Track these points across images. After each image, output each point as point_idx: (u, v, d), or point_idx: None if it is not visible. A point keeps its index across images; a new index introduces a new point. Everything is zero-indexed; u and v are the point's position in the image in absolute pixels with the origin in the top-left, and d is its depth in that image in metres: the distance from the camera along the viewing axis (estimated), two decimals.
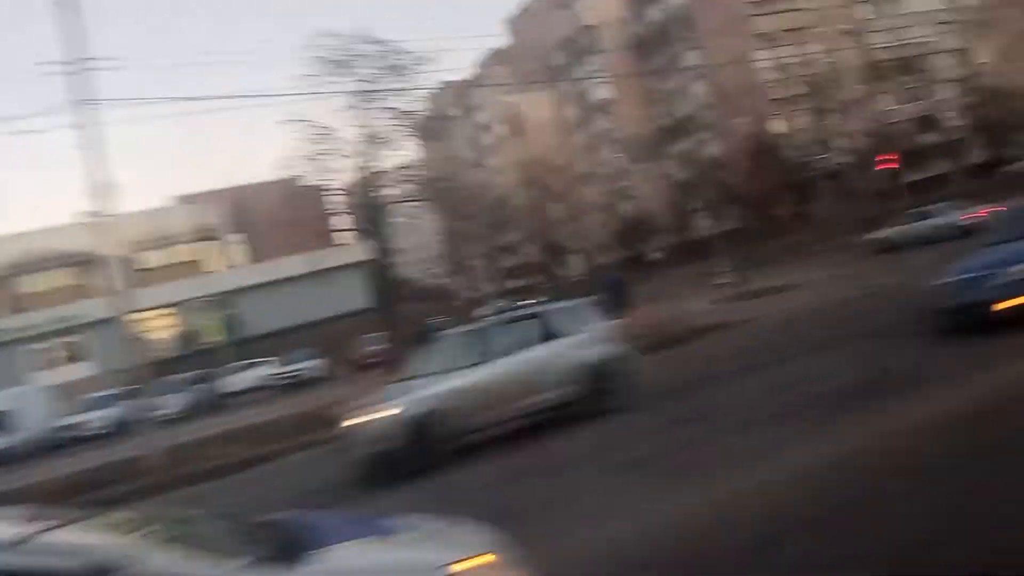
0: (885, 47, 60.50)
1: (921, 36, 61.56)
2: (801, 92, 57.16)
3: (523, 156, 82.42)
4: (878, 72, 60.25)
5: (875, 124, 59.55)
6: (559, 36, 69.53)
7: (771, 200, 52.30)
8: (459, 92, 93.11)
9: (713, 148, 60.04)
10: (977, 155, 58.50)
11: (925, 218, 30.77)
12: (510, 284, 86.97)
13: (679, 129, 64.03)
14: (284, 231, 48.04)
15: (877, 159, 19.48)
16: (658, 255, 65.54)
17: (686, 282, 36.92)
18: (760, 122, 55.10)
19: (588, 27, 66.01)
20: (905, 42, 60.95)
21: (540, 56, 72.09)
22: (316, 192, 40.30)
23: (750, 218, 54.28)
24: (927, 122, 61.21)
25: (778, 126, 55.40)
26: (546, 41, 71.26)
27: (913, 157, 55.92)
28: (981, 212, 26.33)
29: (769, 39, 56.33)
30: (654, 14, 63.88)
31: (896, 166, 19.17)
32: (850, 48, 58.26)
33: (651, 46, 64.73)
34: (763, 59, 55.97)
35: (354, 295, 37.30)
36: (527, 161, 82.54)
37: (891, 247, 30.29)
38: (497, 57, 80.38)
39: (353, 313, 36.44)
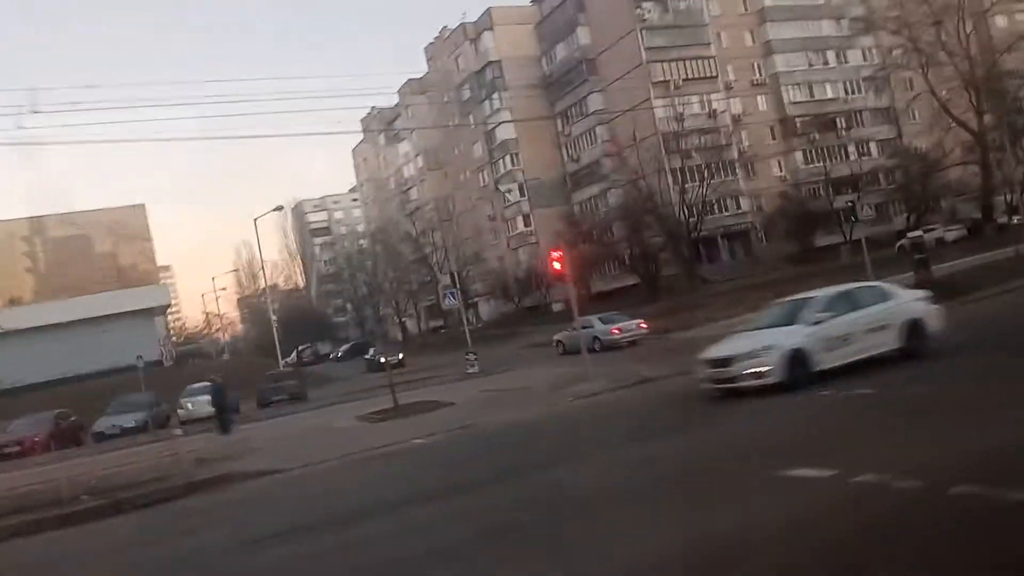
0: (801, 102, 57.21)
1: (844, 94, 58.41)
2: (703, 146, 53.64)
3: (440, 192, 78.74)
4: (792, 129, 56.95)
5: (784, 183, 56.26)
6: (467, 69, 65.64)
7: (647, 261, 48.45)
8: (385, 121, 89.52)
9: (616, 198, 56.26)
10: (883, 225, 54.97)
11: (589, 326, 28.77)
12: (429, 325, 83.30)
13: (584, 176, 60.27)
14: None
15: (551, 254, 15.76)
16: (560, 307, 61.48)
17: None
18: (659, 175, 51.26)
19: (493, 62, 62.15)
20: (825, 99, 57.71)
21: (452, 88, 68.28)
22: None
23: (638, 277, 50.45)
24: (845, 183, 57.76)
25: (670, 181, 51.53)
26: (456, 73, 67.44)
27: (820, 220, 52.49)
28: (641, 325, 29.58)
29: (668, 88, 52.65)
30: (561, 52, 60.22)
31: (561, 266, 15.38)
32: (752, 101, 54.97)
33: (558, 86, 61.01)
34: (662, 109, 52.23)
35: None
36: (440, 198, 78.84)
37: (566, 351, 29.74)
38: (414, 87, 76.57)
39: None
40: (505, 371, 27.29)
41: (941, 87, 39.90)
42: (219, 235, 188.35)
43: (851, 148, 58.89)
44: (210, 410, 20.01)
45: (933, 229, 43.22)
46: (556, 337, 32.02)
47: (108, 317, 32.43)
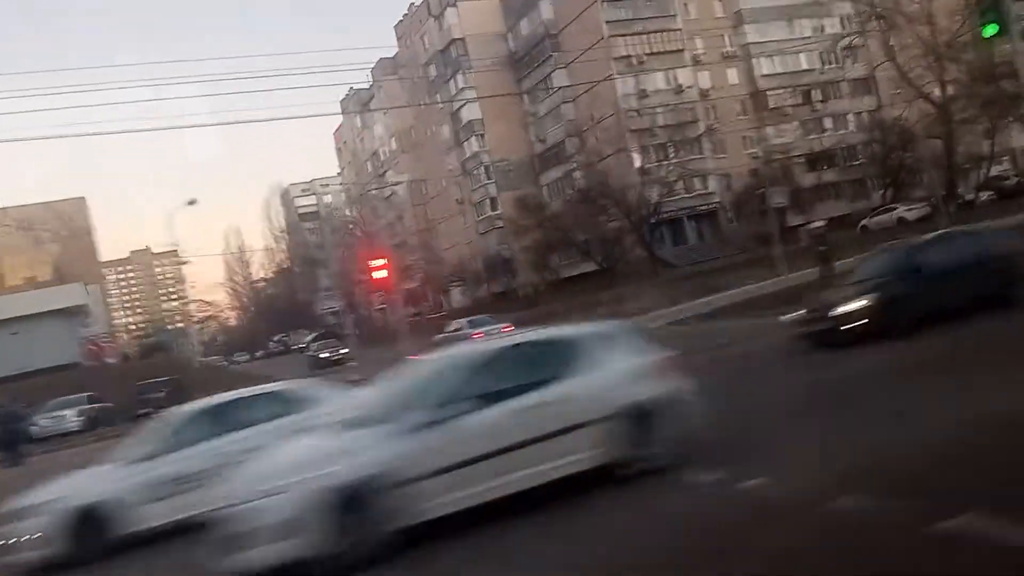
0: (774, 75, 54.77)
1: (821, 65, 55.85)
2: (668, 123, 51.55)
3: (415, 174, 76.88)
4: (765, 103, 54.59)
5: (759, 160, 54.00)
6: (432, 47, 63.53)
7: (612, 244, 46.61)
8: (361, 102, 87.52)
9: (581, 180, 54.24)
10: (864, 201, 52.70)
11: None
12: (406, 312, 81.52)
13: (551, 157, 58.24)
14: None
15: (371, 263, 14.07)
16: (530, 291, 59.77)
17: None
18: (620, 155, 49.22)
19: (457, 40, 59.98)
20: (800, 70, 55.23)
21: (420, 68, 66.23)
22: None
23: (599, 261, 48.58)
24: (822, 159, 55.47)
25: (637, 160, 49.49)
26: (423, 52, 65.35)
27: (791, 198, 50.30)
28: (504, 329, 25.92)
29: (631, 63, 50.47)
30: (525, 28, 57.99)
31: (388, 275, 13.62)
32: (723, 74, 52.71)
33: (524, 64, 58.85)
34: (626, 85, 50.13)
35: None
36: (413, 181, 77.00)
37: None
38: (386, 67, 74.48)
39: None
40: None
41: (903, 55, 37.63)
42: (210, 221, 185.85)
43: (828, 122, 56.70)
44: (72, 425, 18.47)
45: (894, 208, 41.16)
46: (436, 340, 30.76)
47: (21, 319, 30.99)
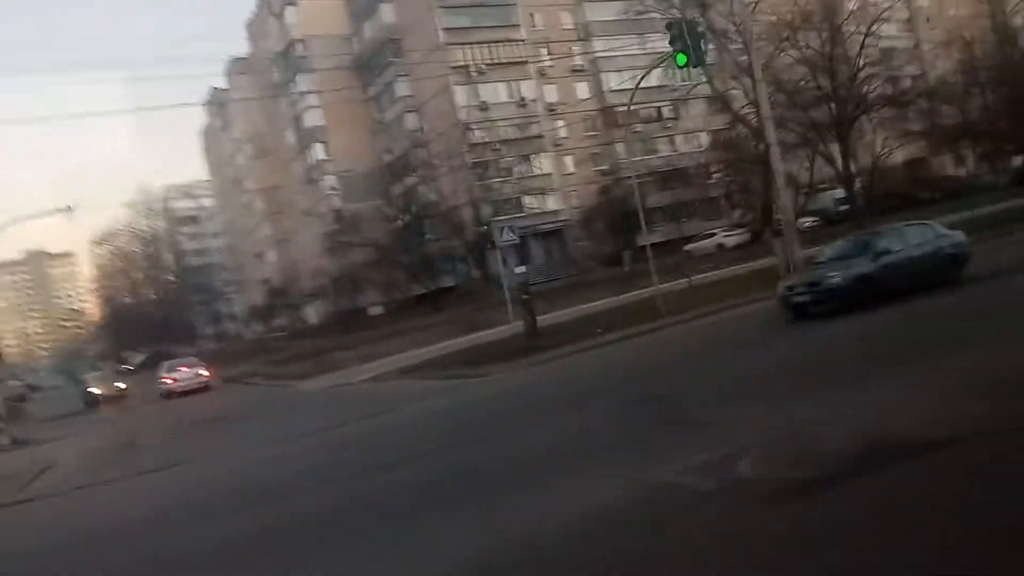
0: (624, 90, 53.17)
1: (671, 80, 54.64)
2: (512, 137, 49.27)
3: (268, 181, 72.57)
4: (614, 119, 52.99)
5: (604, 178, 52.39)
6: (273, 48, 59.49)
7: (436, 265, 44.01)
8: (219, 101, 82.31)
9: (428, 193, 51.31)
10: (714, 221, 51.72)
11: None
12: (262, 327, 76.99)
13: (399, 168, 55.13)
14: None
15: None
16: (379, 310, 56.45)
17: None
18: (459, 170, 46.52)
19: (297, 40, 56.19)
20: (649, 86, 53.77)
21: (265, 69, 62.08)
22: None
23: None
24: (673, 177, 54.22)
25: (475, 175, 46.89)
26: (267, 52, 61.20)
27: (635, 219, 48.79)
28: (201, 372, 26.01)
29: (469, 73, 47.91)
30: (368, 31, 54.72)
31: None
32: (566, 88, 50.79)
33: (369, 69, 55.56)
34: (465, 96, 47.53)
35: None
36: (266, 189, 72.71)
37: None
38: (239, 66, 69.99)
39: None
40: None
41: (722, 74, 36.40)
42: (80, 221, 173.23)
43: (680, 140, 55.69)
44: None
45: (713, 234, 40.07)
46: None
47: None
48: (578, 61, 52.73)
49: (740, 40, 34.63)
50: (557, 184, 50.59)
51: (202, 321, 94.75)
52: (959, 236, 15.33)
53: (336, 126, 55.79)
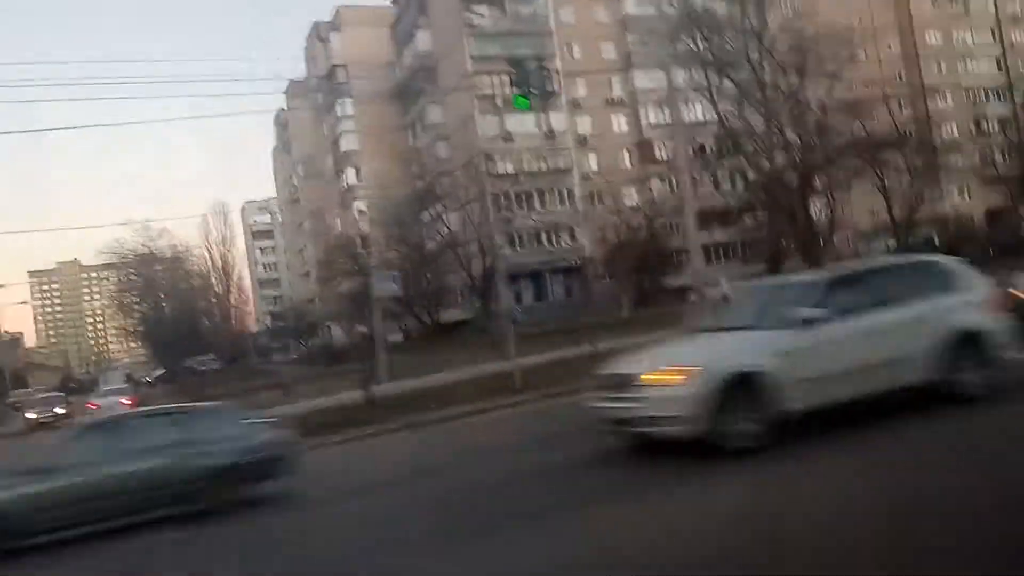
0: (662, 125, 50.75)
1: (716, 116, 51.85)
2: (539, 170, 47.59)
3: (315, 204, 73.21)
4: (649, 153, 50.63)
5: (637, 214, 49.87)
6: (318, 73, 60.03)
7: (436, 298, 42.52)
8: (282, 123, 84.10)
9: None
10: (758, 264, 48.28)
11: None
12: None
13: (429, 197, 54.22)
14: None
15: None
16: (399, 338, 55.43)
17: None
18: (480, 201, 45.09)
19: (339, 66, 56.41)
20: (692, 122, 51.19)
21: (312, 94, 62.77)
22: None
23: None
24: (713, 217, 51.18)
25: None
26: (316, 76, 61.85)
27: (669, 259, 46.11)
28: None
29: (495, 103, 46.58)
30: (408, 58, 54.36)
31: None
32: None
33: (408, 96, 55.13)
34: (489, 126, 46.28)
35: None
36: (316, 211, 73.28)
37: None
38: (297, 88, 71.24)
39: None
40: None
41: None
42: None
43: (723, 176, 52.62)
44: None
45: (719, 283, 37.01)
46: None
47: None
48: (617, 92, 50.72)
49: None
50: (582, 219, 48.45)
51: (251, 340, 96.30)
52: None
53: (372, 152, 55.50)
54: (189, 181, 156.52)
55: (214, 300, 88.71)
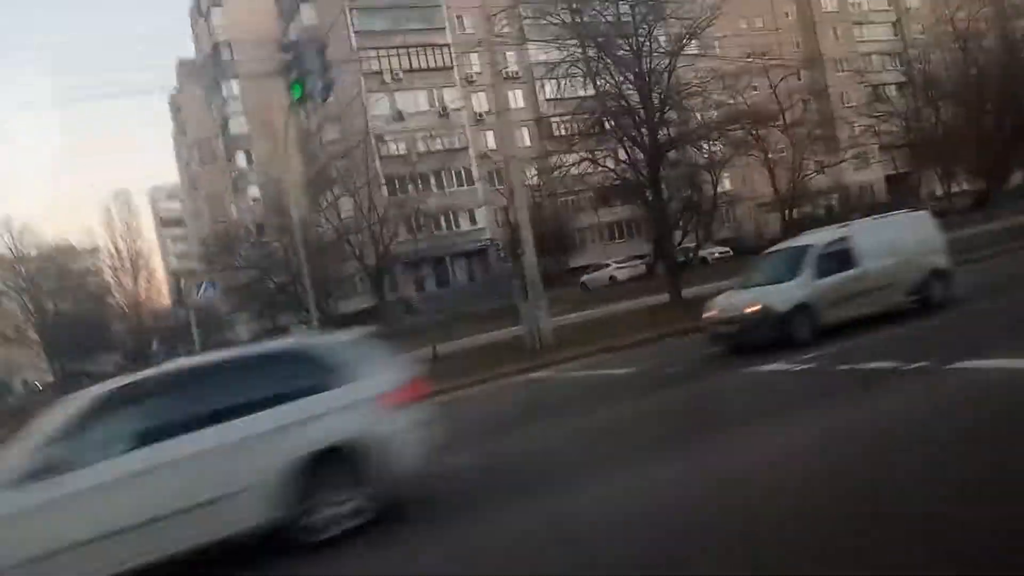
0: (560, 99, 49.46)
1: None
2: (434, 149, 45.84)
3: (212, 189, 69.75)
4: (547, 130, 49.27)
5: (538, 193, 48.67)
6: (203, 50, 56.57)
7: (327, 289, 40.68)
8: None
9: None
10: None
11: None
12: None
13: (322, 182, 51.87)
14: None
15: None
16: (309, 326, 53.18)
17: None
18: (371, 185, 43.18)
19: (222, 43, 53.17)
20: (589, 95, 50.06)
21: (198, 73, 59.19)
22: None
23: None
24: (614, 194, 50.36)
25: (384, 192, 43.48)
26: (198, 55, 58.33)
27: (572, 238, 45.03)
28: None
29: (384, 81, 44.54)
30: (294, 34, 51.47)
31: None
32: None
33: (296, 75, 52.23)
34: (380, 105, 44.20)
35: None
36: (213, 196, 69.88)
37: None
38: (186, 67, 67.30)
39: None
40: None
41: None
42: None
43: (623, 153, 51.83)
44: None
45: (607, 265, 36.45)
46: None
47: None
48: (513, 67, 49.14)
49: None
50: (482, 200, 47.00)
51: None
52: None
53: (262, 134, 52.56)
54: (88, 168, 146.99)
55: (117, 296, 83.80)
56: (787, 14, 61.68)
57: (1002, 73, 43.78)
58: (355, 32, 44.27)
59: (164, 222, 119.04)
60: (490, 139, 48.05)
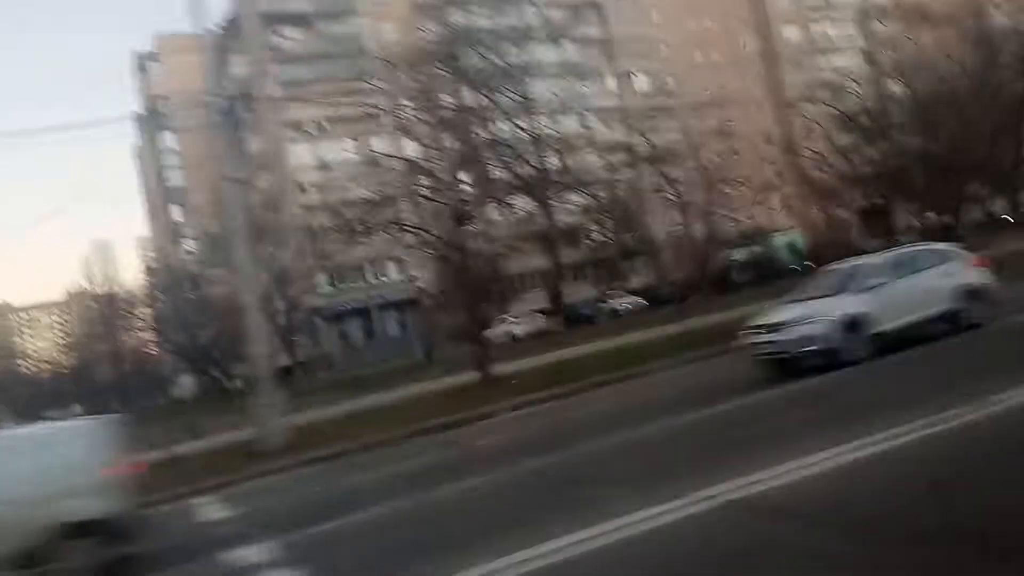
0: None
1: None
2: (363, 198, 43.99)
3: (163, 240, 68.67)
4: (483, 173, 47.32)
5: (478, 240, 46.51)
6: (142, 103, 55.80)
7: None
8: None
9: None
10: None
11: None
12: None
13: (256, 232, 50.25)
14: None
15: None
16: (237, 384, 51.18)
17: None
18: (298, 234, 41.54)
19: (158, 96, 52.28)
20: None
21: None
22: None
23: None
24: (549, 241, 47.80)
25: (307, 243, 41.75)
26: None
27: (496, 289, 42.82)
28: None
29: (307, 130, 43.07)
30: (229, 85, 50.40)
31: None
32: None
33: (229, 126, 51.09)
34: (303, 155, 42.70)
35: None
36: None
37: None
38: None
39: None
40: None
41: None
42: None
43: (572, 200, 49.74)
44: None
45: (504, 320, 34.07)
46: None
47: None
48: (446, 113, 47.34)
49: None
50: (415, 248, 44.88)
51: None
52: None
53: (198, 186, 51.34)
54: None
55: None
56: (744, 44, 59.77)
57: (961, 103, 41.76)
58: (281, 82, 42.95)
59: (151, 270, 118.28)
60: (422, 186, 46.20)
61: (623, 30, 54.63)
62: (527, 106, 34.88)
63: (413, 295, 44.75)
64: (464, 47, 32.89)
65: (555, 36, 51.14)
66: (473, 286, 21.59)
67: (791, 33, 60.26)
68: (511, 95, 34.01)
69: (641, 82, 54.37)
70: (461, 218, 21.10)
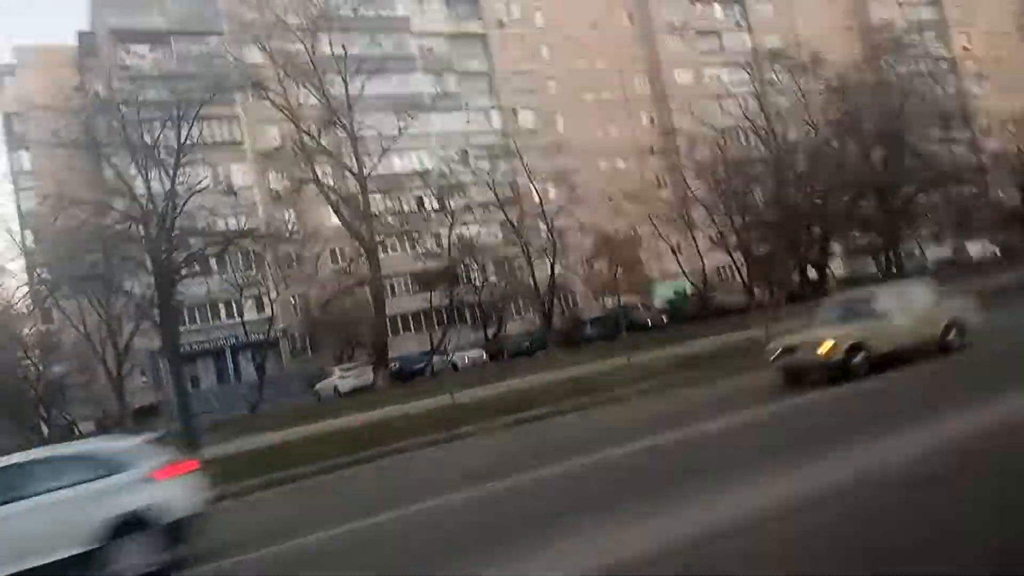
0: (373, 176, 45.66)
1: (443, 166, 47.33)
2: (218, 230, 41.56)
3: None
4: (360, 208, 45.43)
5: (346, 277, 44.40)
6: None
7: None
8: None
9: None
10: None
11: None
12: None
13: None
14: None
15: None
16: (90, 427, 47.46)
17: None
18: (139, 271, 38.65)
19: (14, 114, 48.86)
20: (407, 171, 46.69)
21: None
22: None
23: None
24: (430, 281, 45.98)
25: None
26: None
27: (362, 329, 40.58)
28: None
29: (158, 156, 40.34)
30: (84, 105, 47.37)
31: None
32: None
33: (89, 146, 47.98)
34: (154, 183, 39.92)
35: None
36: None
37: None
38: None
39: None
40: None
41: None
42: None
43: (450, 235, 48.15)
44: None
45: (331, 374, 32.19)
46: None
47: None
48: (326, 141, 45.36)
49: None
50: (276, 285, 42.56)
51: None
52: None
53: (54, 210, 47.79)
54: None
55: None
56: (638, 84, 59.63)
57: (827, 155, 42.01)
58: (125, 103, 40.20)
59: None
60: (292, 217, 44.02)
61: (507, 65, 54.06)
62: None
63: (272, 336, 42.25)
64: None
65: (437, 69, 49.95)
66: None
67: (683, 77, 60.29)
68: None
69: (526, 118, 53.44)
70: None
